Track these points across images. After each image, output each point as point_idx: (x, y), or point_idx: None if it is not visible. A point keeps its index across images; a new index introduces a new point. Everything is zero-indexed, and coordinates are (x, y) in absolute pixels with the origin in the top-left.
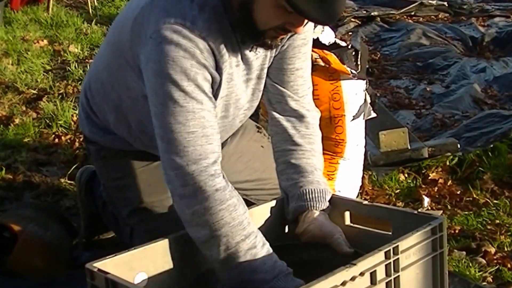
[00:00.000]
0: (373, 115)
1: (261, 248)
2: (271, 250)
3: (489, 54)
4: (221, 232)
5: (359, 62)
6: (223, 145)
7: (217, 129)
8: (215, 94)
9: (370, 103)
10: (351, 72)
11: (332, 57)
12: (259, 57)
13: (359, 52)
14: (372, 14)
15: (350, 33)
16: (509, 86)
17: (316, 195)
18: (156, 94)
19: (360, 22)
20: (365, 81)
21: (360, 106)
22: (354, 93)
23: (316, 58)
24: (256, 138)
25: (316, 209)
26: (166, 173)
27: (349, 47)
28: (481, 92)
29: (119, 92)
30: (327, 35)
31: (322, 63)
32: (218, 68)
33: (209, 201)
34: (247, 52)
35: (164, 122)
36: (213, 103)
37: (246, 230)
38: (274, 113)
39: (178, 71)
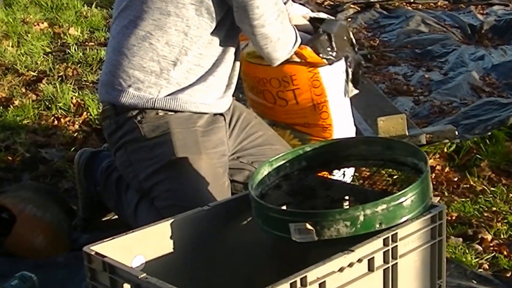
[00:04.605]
0: (356, 91)
1: None
2: None
3: (487, 42)
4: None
5: (333, 45)
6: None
7: None
8: None
9: (351, 80)
10: (328, 59)
11: (307, 51)
12: None
13: (331, 35)
14: (372, 0)
15: (349, 19)
16: (507, 74)
17: None
18: None
19: (359, 9)
20: (343, 59)
21: (344, 87)
22: (334, 77)
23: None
24: (248, 111)
25: None
26: (260, 38)
27: (321, 31)
28: (479, 79)
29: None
30: (297, 10)
31: (297, 59)
32: None
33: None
34: None
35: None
36: None
37: None
38: None
39: None
